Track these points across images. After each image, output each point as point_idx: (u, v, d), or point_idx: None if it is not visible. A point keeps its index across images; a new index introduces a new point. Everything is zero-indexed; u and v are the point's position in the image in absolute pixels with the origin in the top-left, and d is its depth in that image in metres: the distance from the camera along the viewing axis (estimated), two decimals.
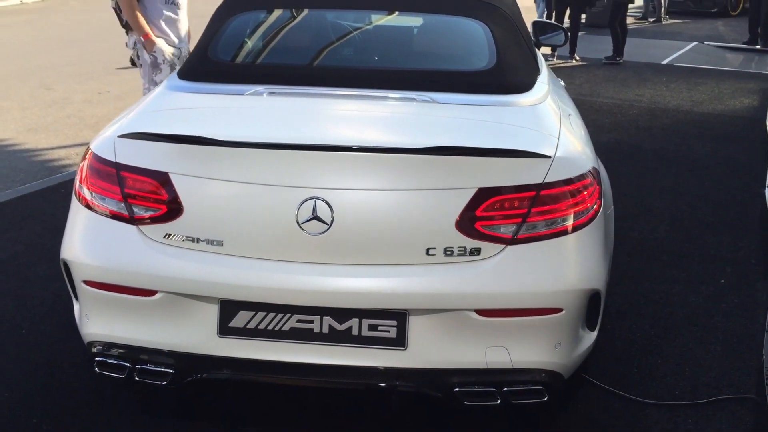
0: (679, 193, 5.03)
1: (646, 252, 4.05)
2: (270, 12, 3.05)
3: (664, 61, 10.41)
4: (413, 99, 2.48)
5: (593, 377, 2.85)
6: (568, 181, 2.21)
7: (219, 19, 2.92)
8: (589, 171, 2.31)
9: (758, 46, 11.49)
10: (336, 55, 2.95)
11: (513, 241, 2.15)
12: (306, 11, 3.07)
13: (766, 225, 4.34)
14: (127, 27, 4.38)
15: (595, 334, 2.40)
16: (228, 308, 2.17)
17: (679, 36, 12.94)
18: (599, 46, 10.97)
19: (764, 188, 4.91)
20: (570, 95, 3.38)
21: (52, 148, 6.06)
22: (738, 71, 9.85)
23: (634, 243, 4.14)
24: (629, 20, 10.42)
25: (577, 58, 10.18)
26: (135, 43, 4.40)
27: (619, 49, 10.05)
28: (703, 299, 3.55)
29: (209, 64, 2.74)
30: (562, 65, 9.93)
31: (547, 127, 2.41)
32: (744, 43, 11.74)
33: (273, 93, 2.53)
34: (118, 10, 4.42)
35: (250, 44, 2.93)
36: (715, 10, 15.80)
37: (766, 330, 2.96)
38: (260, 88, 2.54)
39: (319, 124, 2.36)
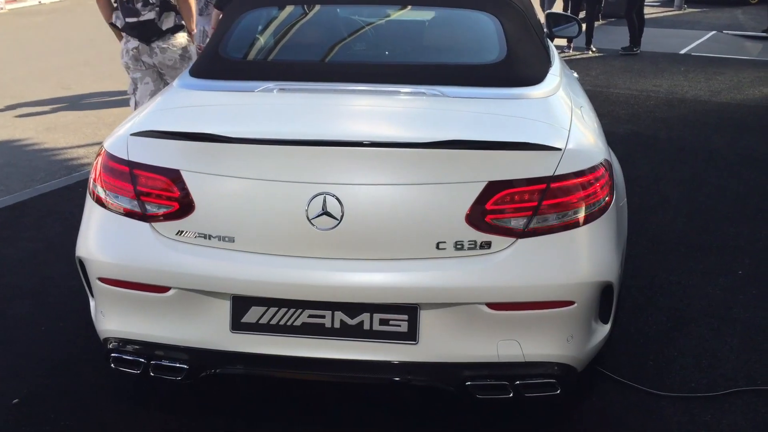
0: (697, 184, 4.98)
1: (663, 244, 4.02)
2: (280, 9, 3.06)
3: (682, 51, 10.30)
4: (423, 93, 2.48)
5: (608, 370, 2.84)
6: (579, 174, 2.20)
7: (230, 16, 2.93)
8: (601, 163, 2.30)
9: None
10: (345, 50, 2.95)
11: (523, 234, 2.15)
12: (316, 7, 3.08)
13: None
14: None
15: (608, 326, 2.39)
16: (240, 304, 2.18)
17: (697, 25, 12.79)
18: (616, 36, 10.88)
19: None
20: (586, 87, 3.36)
21: (71, 147, 6.12)
22: (757, 60, 9.73)
23: (651, 235, 4.11)
24: (646, 10, 10.31)
25: (594, 49, 10.11)
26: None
27: (636, 39, 9.95)
28: (720, 291, 3.52)
29: (220, 62, 2.76)
30: (578, 56, 9.86)
31: (557, 119, 2.40)
32: (763, 32, 11.58)
33: (283, 89, 2.54)
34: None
35: (260, 41, 2.94)
36: None
37: None
38: (270, 84, 2.55)
39: (328, 119, 2.37)
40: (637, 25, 9.90)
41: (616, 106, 7.16)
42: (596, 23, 10.58)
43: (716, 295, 3.48)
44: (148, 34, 4.41)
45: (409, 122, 2.35)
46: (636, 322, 3.22)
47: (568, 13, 9.68)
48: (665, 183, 5.00)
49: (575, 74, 3.68)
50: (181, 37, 4.53)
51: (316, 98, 2.49)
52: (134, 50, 4.47)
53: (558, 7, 10.77)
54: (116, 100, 7.73)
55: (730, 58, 9.75)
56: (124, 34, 4.50)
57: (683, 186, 4.94)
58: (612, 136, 2.70)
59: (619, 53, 9.95)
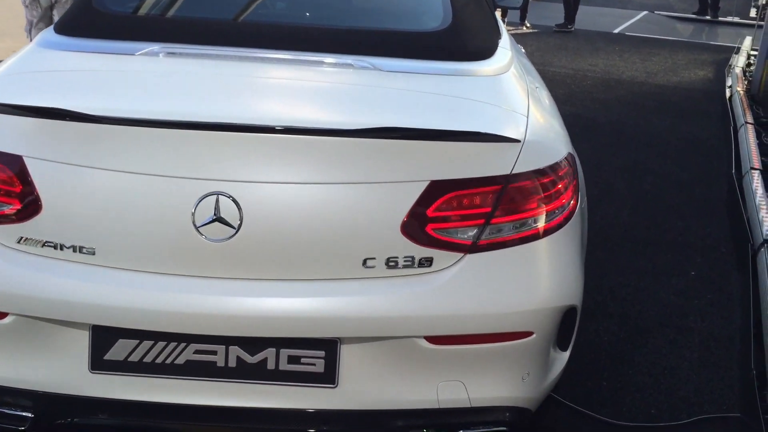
0: (640, 171, 4.71)
1: (609, 240, 3.69)
2: None
3: (616, 30, 10.20)
4: (350, 65, 1.99)
5: (559, 394, 2.46)
6: (540, 172, 1.77)
7: None
8: (565, 158, 1.88)
9: (708, 17, 11.39)
10: (256, 8, 2.42)
11: (473, 248, 1.71)
12: None
13: (737, 210, 4.03)
14: None
15: (567, 354, 2.00)
16: (102, 336, 1.69)
17: (629, 5, 12.76)
18: (549, 13, 10.66)
19: (732, 170, 4.63)
20: None
21: None
22: (690, 42, 9.71)
23: (597, 229, 3.77)
24: None
25: (528, 25, 9.85)
26: None
27: (570, 16, 9.79)
28: (674, 295, 3.21)
29: (94, 16, 2.18)
30: (512, 32, 9.54)
31: (513, 102, 1.96)
32: (694, 14, 11.64)
33: (172, 53, 2.00)
34: None
35: None
36: None
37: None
38: (156, 46, 2.01)
39: (227, 95, 1.85)
40: (572, 2, 9.69)
41: (553, 85, 6.82)
42: None
43: (670, 300, 3.17)
44: None
45: (331, 102, 1.86)
46: (586, 333, 2.86)
47: None
48: (608, 170, 4.71)
49: (522, 49, 3.25)
50: None
51: (213, 67, 1.97)
52: None
53: None
54: None
55: (664, 39, 9.70)
56: None
57: (626, 173, 4.67)
58: None
59: (554, 30, 9.72)
